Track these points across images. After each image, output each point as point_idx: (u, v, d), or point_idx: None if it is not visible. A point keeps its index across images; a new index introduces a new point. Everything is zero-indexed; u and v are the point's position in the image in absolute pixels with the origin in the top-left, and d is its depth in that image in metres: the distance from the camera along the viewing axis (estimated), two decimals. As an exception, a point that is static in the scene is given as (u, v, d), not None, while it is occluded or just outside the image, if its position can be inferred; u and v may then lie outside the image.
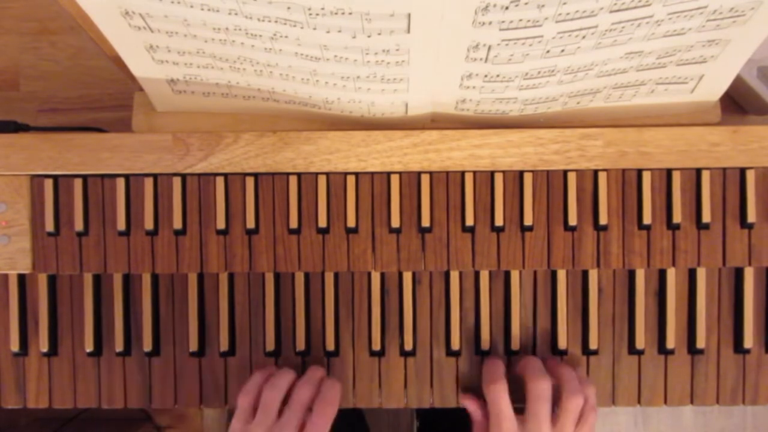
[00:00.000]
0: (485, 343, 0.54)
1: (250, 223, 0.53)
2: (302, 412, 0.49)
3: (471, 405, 0.53)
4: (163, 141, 0.53)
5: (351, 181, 0.53)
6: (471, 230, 0.53)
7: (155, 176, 0.54)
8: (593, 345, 0.53)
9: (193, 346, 0.54)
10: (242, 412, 0.49)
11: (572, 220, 0.53)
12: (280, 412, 0.49)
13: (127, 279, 0.55)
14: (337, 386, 0.51)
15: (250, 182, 0.53)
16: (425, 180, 0.53)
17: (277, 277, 0.54)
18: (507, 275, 0.54)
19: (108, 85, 0.66)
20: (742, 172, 0.53)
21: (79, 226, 0.54)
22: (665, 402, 0.54)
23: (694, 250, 0.53)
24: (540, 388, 0.49)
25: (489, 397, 0.50)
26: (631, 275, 0.54)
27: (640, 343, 0.53)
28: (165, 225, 0.54)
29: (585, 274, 0.54)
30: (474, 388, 0.54)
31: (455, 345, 0.54)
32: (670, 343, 0.53)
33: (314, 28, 0.42)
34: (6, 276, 0.54)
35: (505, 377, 0.51)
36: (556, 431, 0.49)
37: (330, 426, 0.49)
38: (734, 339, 0.54)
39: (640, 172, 0.53)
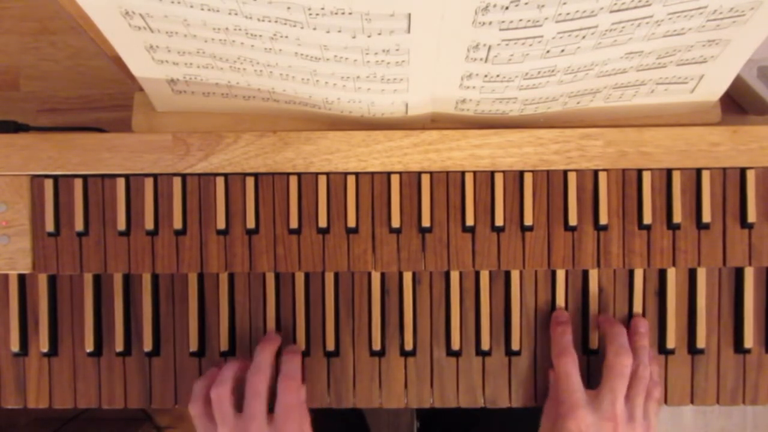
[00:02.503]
0: (485, 343, 0.54)
1: (250, 223, 0.53)
2: (261, 399, 0.48)
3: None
4: (163, 141, 0.53)
5: (351, 181, 0.53)
6: (471, 230, 0.53)
7: (155, 176, 0.54)
8: (593, 345, 0.53)
9: (193, 346, 0.54)
10: (200, 424, 0.49)
11: (572, 220, 0.53)
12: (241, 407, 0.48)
13: (127, 279, 0.55)
14: (295, 358, 0.50)
15: (250, 182, 0.53)
16: (425, 180, 0.53)
17: (277, 277, 0.54)
18: (507, 275, 0.54)
19: (108, 85, 0.66)
20: (742, 172, 0.53)
21: (79, 226, 0.54)
22: (665, 402, 0.54)
23: (694, 250, 0.53)
24: (622, 365, 0.49)
25: (560, 367, 0.50)
26: (631, 275, 0.54)
27: (640, 343, 0.53)
28: (165, 225, 0.54)
29: (585, 274, 0.54)
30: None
31: (455, 345, 0.54)
32: (671, 343, 0.53)
33: (314, 28, 0.42)
34: (6, 276, 0.54)
35: (574, 349, 0.51)
36: (629, 403, 0.49)
37: (300, 398, 0.49)
38: (734, 339, 0.54)
39: (640, 172, 0.53)
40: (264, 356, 0.50)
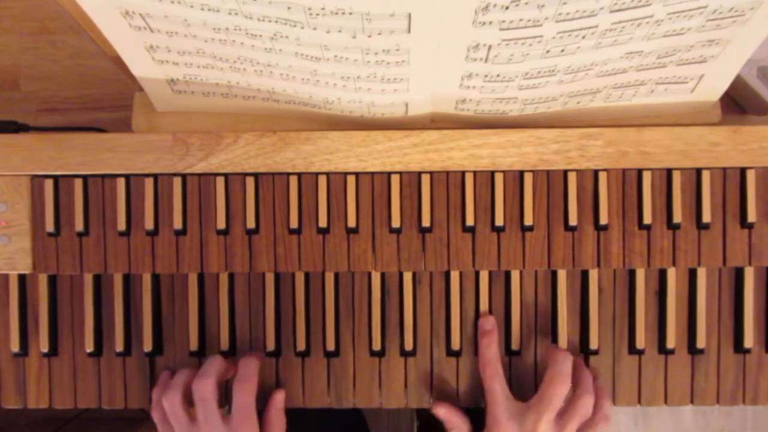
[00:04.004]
0: (485, 343, 0.54)
1: (251, 223, 0.53)
2: (207, 403, 0.48)
3: (443, 412, 0.52)
4: (163, 141, 0.53)
5: (351, 181, 0.53)
6: (471, 230, 0.53)
7: (155, 176, 0.54)
8: (593, 345, 0.53)
9: (194, 346, 0.54)
10: (161, 429, 0.50)
11: (572, 220, 0.53)
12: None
13: (127, 279, 0.55)
14: (251, 361, 0.51)
15: (250, 182, 0.53)
16: (425, 180, 0.53)
17: (278, 277, 0.54)
18: (507, 275, 0.54)
19: (108, 85, 0.66)
20: (743, 172, 0.53)
21: (79, 226, 0.54)
22: (665, 402, 0.54)
23: (694, 249, 0.53)
24: (554, 394, 0.48)
25: (485, 381, 0.51)
26: (632, 275, 0.54)
27: (640, 342, 0.53)
28: (165, 225, 0.54)
29: (585, 274, 0.54)
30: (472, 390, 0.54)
31: (455, 345, 0.54)
32: (671, 343, 0.53)
33: (314, 28, 0.42)
34: (6, 276, 0.54)
35: (500, 361, 0.51)
36: (558, 426, 0.48)
37: (254, 399, 0.49)
38: (734, 339, 0.54)
39: (640, 172, 0.53)
40: (210, 363, 0.50)
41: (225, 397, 0.53)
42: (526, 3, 0.40)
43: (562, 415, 0.48)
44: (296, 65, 0.47)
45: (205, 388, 0.48)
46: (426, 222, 0.53)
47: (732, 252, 0.53)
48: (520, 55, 0.45)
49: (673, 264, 0.53)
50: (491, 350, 0.52)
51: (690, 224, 0.53)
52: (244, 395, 0.49)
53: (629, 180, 0.53)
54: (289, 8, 0.41)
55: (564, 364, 0.49)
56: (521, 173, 0.53)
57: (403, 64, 0.46)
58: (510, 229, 0.53)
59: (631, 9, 0.42)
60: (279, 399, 0.52)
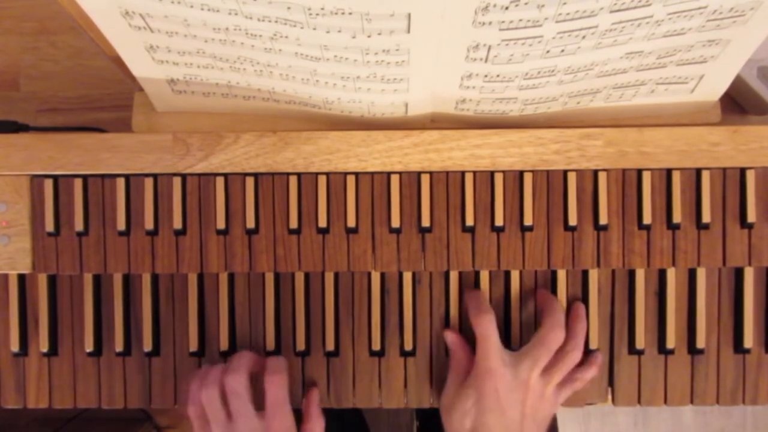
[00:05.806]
0: (485, 343, 0.54)
1: (250, 223, 0.53)
2: (240, 397, 0.48)
3: (453, 339, 0.53)
4: (163, 141, 0.53)
5: (351, 181, 0.53)
6: (471, 230, 0.53)
7: (155, 176, 0.54)
8: (593, 345, 0.54)
9: (193, 346, 0.54)
10: (197, 425, 0.49)
11: (572, 220, 0.53)
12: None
13: (127, 279, 0.55)
14: (280, 358, 0.52)
15: (250, 182, 0.53)
16: (425, 180, 0.53)
17: (277, 277, 0.54)
18: (507, 275, 0.54)
19: (108, 85, 0.66)
20: (742, 172, 0.53)
21: (79, 226, 0.54)
22: (665, 402, 0.54)
23: (694, 250, 0.53)
24: (553, 340, 0.49)
25: (478, 328, 0.50)
26: (631, 275, 0.54)
27: (640, 343, 0.53)
28: (165, 225, 0.54)
29: (585, 274, 0.54)
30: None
31: (455, 345, 0.54)
32: (670, 343, 0.53)
33: (314, 28, 0.42)
34: (6, 276, 0.54)
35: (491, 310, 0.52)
36: (546, 377, 0.49)
37: (287, 392, 0.50)
38: (734, 339, 0.54)
39: (640, 172, 0.53)
40: (239, 358, 0.50)
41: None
42: (526, 3, 0.40)
43: (549, 367, 0.49)
44: (296, 65, 0.47)
45: (238, 383, 0.48)
46: (426, 222, 0.53)
47: (732, 252, 0.53)
48: (520, 56, 0.45)
49: (673, 264, 0.53)
50: (483, 297, 0.52)
51: (690, 224, 0.53)
52: (277, 388, 0.49)
53: (629, 180, 0.53)
54: (288, 8, 0.41)
55: (560, 314, 0.51)
56: (521, 173, 0.53)
57: (403, 64, 0.46)
58: (510, 229, 0.53)
59: (631, 9, 0.42)
60: (316, 394, 0.53)
